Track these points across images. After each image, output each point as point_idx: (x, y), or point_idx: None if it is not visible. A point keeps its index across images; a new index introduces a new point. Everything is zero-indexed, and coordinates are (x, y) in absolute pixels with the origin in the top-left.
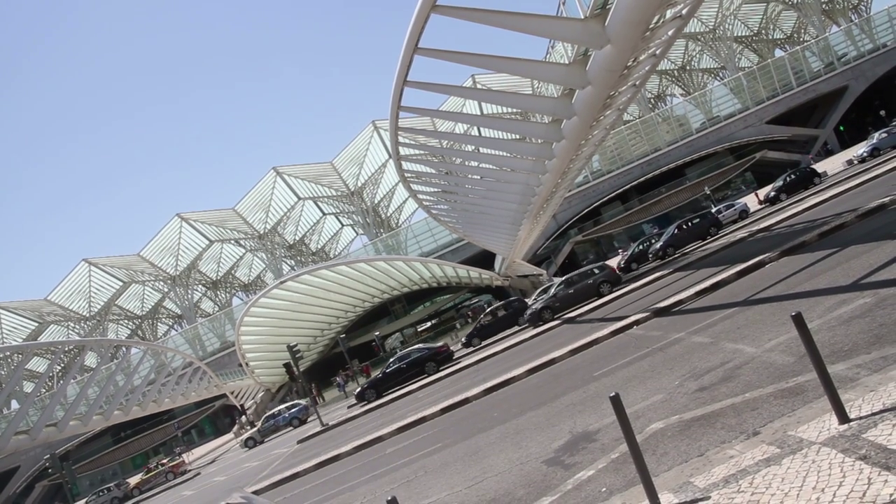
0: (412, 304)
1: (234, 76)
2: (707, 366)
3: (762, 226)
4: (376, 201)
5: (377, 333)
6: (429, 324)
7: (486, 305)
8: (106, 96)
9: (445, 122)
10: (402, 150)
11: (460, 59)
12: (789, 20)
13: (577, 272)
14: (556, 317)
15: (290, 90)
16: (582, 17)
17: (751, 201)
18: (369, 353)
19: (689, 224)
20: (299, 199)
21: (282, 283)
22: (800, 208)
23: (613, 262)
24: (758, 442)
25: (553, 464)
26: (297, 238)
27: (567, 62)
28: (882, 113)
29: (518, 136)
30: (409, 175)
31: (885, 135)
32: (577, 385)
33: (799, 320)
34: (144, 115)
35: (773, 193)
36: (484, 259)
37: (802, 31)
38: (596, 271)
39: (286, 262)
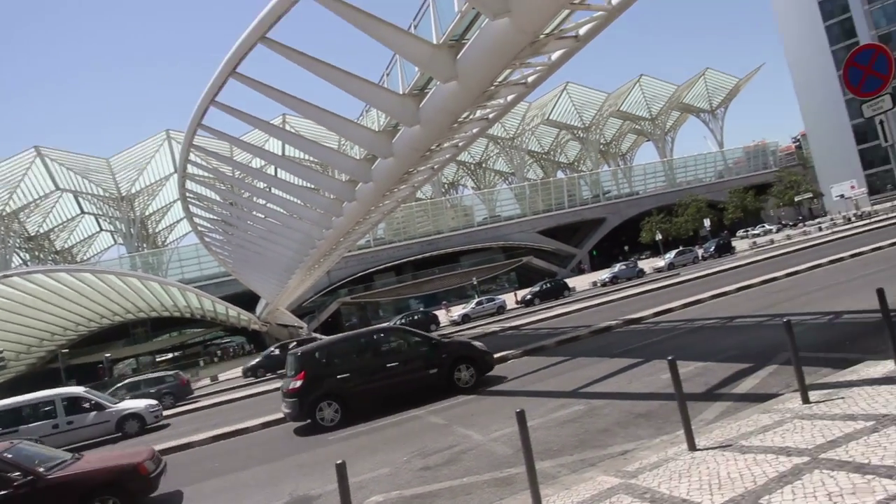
0: (158, 331)
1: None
2: (437, 446)
3: (514, 324)
4: (147, 213)
5: (107, 355)
6: (170, 355)
7: (236, 347)
8: None
9: (244, 153)
10: (191, 169)
11: (276, 96)
12: (574, 149)
13: (144, 377)
14: None
15: (79, 72)
16: (401, 92)
17: (510, 299)
18: (93, 376)
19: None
20: (58, 188)
21: (5, 276)
22: (548, 315)
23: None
24: None
25: None
26: (42, 230)
27: (377, 129)
28: (626, 248)
29: (313, 186)
30: (191, 196)
31: (623, 267)
32: (312, 447)
33: (521, 417)
34: None
35: (529, 296)
36: (248, 300)
37: (582, 161)
38: (166, 380)
39: (18, 254)
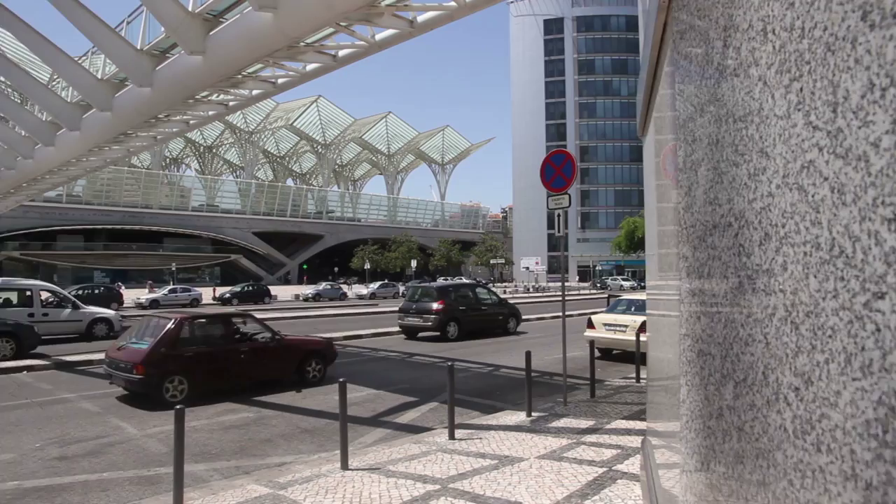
0: None
1: None
2: (82, 435)
3: None
4: None
5: None
6: None
7: None
8: None
9: None
10: None
11: None
12: (309, 162)
13: None
14: None
15: None
16: (139, 47)
17: (207, 294)
18: None
19: None
20: None
21: None
22: None
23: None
24: None
25: None
26: None
27: (100, 77)
28: (336, 269)
29: (1, 115)
30: None
31: (329, 287)
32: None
33: (179, 414)
34: None
35: (228, 295)
36: None
37: (314, 176)
38: None
39: None
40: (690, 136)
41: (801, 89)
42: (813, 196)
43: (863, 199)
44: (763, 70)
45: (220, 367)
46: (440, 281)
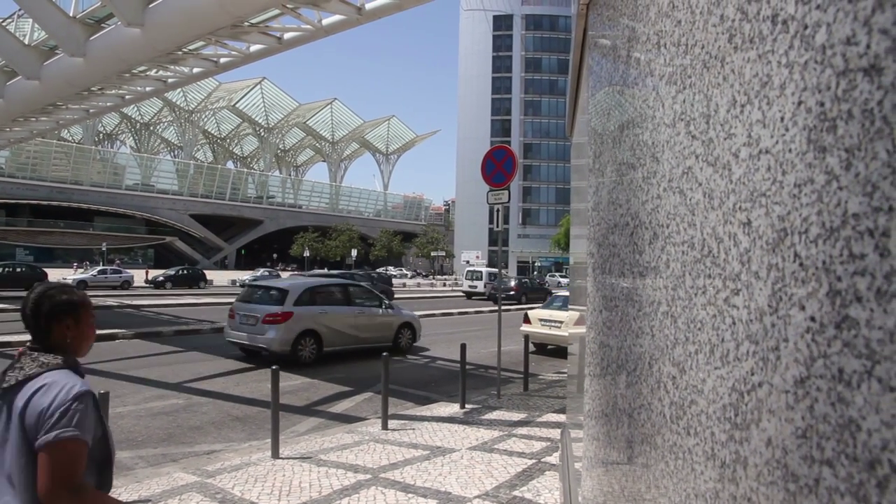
0: None
1: None
2: None
3: (136, 303)
4: None
5: None
6: None
7: None
8: None
9: None
10: None
11: None
12: (251, 145)
13: None
14: None
15: None
16: (72, 14)
17: (139, 276)
18: None
19: None
20: None
21: None
22: (177, 301)
23: None
24: None
25: None
26: None
27: (26, 42)
28: (275, 256)
29: None
30: None
31: (267, 273)
32: None
33: (102, 399)
34: None
35: (161, 278)
36: None
37: (256, 160)
38: None
39: None
40: (600, 139)
41: (685, 101)
42: (690, 200)
43: (726, 204)
44: (657, 81)
45: None
46: None
